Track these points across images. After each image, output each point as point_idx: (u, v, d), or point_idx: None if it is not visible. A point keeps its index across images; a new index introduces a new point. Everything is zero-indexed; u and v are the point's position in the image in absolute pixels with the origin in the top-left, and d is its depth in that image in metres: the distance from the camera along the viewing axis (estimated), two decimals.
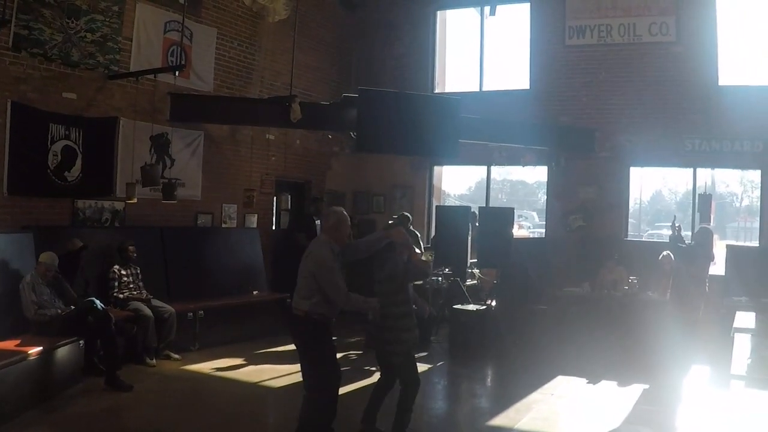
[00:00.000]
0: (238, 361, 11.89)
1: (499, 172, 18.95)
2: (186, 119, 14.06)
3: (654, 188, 40.10)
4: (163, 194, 12.77)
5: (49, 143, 11.75)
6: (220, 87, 15.11)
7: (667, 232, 18.31)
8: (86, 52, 12.23)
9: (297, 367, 10.71)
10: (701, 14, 15.62)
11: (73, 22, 11.92)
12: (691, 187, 16.59)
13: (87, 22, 12.17)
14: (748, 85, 15.47)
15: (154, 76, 12.95)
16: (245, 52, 15.81)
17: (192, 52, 14.36)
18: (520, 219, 22.80)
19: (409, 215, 15.85)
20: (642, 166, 16.86)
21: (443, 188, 20.42)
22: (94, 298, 10.23)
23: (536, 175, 18.39)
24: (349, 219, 7.70)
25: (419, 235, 15.70)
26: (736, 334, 9.45)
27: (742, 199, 40.39)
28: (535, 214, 38.79)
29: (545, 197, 18.62)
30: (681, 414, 9.75)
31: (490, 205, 18.90)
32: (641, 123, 16.04)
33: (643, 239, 18.67)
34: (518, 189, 44.29)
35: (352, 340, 14.01)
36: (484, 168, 18.76)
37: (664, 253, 13.46)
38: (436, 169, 19.20)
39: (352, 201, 19.42)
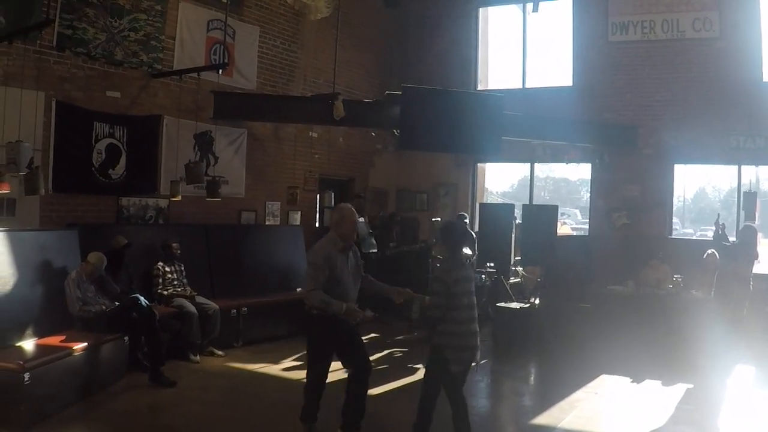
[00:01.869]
0: (282, 357, 11.89)
1: (542, 170, 18.89)
2: (229, 117, 14.12)
3: (697, 186, 39.73)
4: (207, 192, 12.83)
5: (93, 141, 11.88)
6: (263, 85, 15.15)
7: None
8: (130, 51, 12.33)
9: (338, 364, 10.80)
10: (744, 9, 15.44)
11: (116, 22, 12.03)
12: (735, 184, 16.40)
13: (130, 21, 12.27)
14: None
15: (198, 75, 12.97)
16: (288, 50, 15.85)
17: (235, 50, 14.42)
18: (563, 217, 22.67)
19: (465, 215, 15.85)
20: (686, 163, 16.69)
21: (486, 186, 20.34)
22: (138, 295, 10.30)
23: (579, 172, 18.32)
24: (354, 215, 7.79)
25: (475, 237, 15.61)
26: None
27: None
28: (578, 211, 38.54)
29: (588, 195, 18.51)
30: (724, 415, 9.62)
31: (533, 202, 18.76)
32: (685, 120, 15.87)
33: (687, 237, 18.44)
34: (561, 186, 44.07)
35: (399, 338, 14.02)
36: (527, 165, 18.65)
37: (709, 251, 13.27)
38: (480, 166, 19.11)
39: (396, 198, 19.43)
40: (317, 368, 7.94)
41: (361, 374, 7.96)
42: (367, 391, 8.10)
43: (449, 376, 7.41)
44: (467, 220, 15.83)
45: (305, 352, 8.26)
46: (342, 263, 7.60)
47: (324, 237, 7.82)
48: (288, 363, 11.65)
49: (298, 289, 14.40)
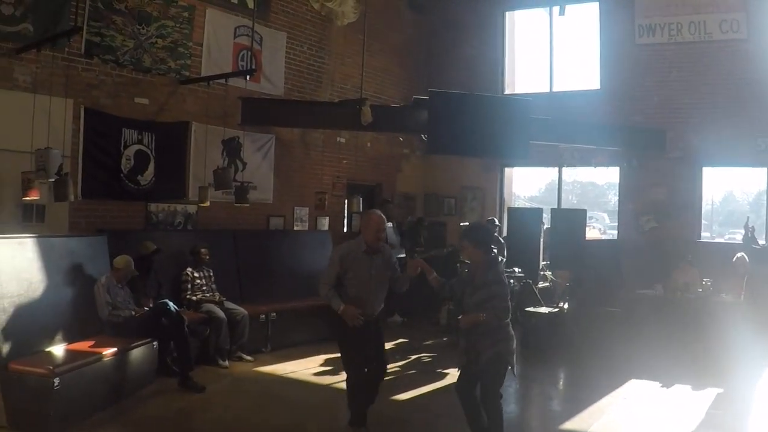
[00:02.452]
0: (310, 363, 11.89)
1: (569, 174, 18.74)
2: (257, 123, 14.16)
3: (726, 189, 39.44)
4: (235, 197, 12.89)
5: (122, 148, 11.95)
6: (290, 91, 15.19)
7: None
8: (157, 58, 12.40)
9: None
10: None
11: (144, 29, 12.11)
12: (763, 187, 16.26)
13: (158, 28, 12.34)
14: None
15: (225, 81, 13.03)
16: (315, 56, 15.89)
17: (262, 56, 14.47)
18: (591, 221, 22.55)
19: (495, 219, 15.86)
20: (714, 166, 16.52)
21: (513, 190, 20.29)
22: (167, 301, 10.32)
23: (607, 176, 18.23)
24: (380, 222, 7.90)
25: (503, 242, 15.61)
26: None
27: None
28: (605, 215, 38.37)
29: (616, 198, 18.44)
30: (755, 419, 9.52)
31: (561, 206, 18.68)
32: (713, 122, 15.73)
33: (716, 241, 18.31)
34: (588, 190, 43.89)
35: (426, 343, 14.01)
36: (554, 170, 18.58)
37: (738, 254, 13.19)
38: (507, 170, 19.06)
39: (423, 203, 19.43)
40: (349, 369, 8.04)
41: (378, 374, 8.14)
42: (375, 393, 8.23)
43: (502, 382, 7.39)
44: (498, 224, 15.86)
45: (338, 354, 8.34)
46: (363, 265, 7.81)
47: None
48: (317, 368, 11.64)
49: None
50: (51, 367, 8.03)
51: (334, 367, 11.28)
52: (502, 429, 7.34)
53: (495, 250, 8.32)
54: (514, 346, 7.34)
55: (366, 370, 8.01)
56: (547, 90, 18.15)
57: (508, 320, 7.25)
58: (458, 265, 15.20)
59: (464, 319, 7.29)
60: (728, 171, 17.11)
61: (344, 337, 7.95)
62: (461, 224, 16.70)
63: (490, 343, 7.13)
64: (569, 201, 37.71)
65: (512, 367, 7.33)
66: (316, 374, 11.31)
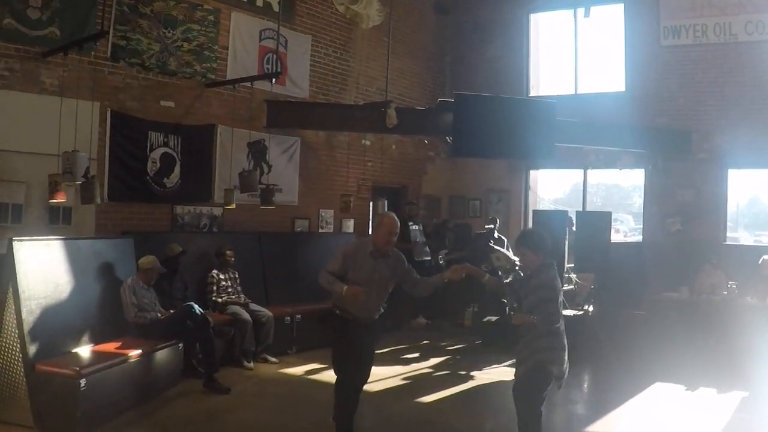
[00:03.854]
0: None
1: (593, 176, 18.63)
2: (283, 126, 14.20)
3: (752, 191, 39.08)
4: (261, 200, 12.90)
5: (148, 150, 12.03)
6: (315, 93, 15.25)
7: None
8: (183, 61, 12.48)
9: (393, 370, 10.78)
10: None
11: (169, 32, 12.18)
12: None
13: (183, 31, 12.41)
14: None
15: (251, 84, 13.07)
16: (340, 59, 15.93)
17: (287, 59, 14.52)
18: (616, 223, 22.38)
19: (496, 219, 15.95)
20: (740, 168, 16.34)
21: (538, 193, 20.24)
22: (192, 303, 10.38)
23: (631, 178, 18.14)
24: (392, 226, 7.59)
25: (506, 240, 15.77)
26: None
27: None
28: (630, 217, 38.03)
29: (640, 200, 18.35)
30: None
31: (586, 209, 18.62)
32: (739, 124, 15.60)
33: (742, 243, 18.19)
34: (613, 193, 43.53)
35: (450, 345, 14.02)
36: (579, 172, 18.52)
37: (765, 256, 13.11)
38: (532, 173, 19.03)
39: (448, 205, 19.44)
40: (341, 373, 7.81)
41: (360, 384, 7.97)
42: (354, 406, 7.93)
43: (544, 394, 7.10)
44: (498, 222, 15.95)
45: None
46: (366, 267, 7.52)
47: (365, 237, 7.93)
48: None
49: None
50: (78, 369, 8.10)
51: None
52: None
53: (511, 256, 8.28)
54: (565, 356, 6.98)
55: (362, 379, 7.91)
56: (572, 92, 18.05)
57: (560, 328, 6.98)
58: (483, 267, 15.20)
59: (516, 317, 7.24)
60: (754, 173, 16.95)
61: (341, 340, 7.75)
62: (486, 227, 16.72)
63: (530, 352, 6.90)
64: (594, 203, 37.38)
65: (558, 380, 6.98)
66: None
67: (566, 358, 7.00)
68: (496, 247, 14.41)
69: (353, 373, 7.73)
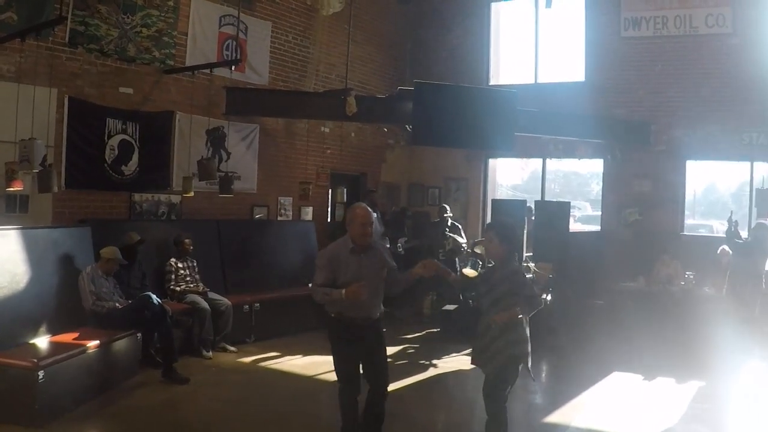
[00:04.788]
0: (294, 353, 11.92)
1: (552, 163, 18.72)
2: (242, 113, 14.12)
3: (708, 179, 39.51)
4: (220, 188, 12.85)
5: (106, 138, 11.88)
6: (275, 80, 15.16)
7: (720, 226, 18.14)
8: (142, 47, 12.33)
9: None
10: (758, 5, 15.27)
11: (128, 18, 12.02)
12: (746, 179, 16.35)
13: (142, 17, 12.26)
14: None
15: (210, 71, 12.98)
16: (300, 45, 15.84)
17: (247, 45, 14.41)
18: (573, 209, 22.45)
19: (446, 207, 16.02)
20: (698, 159, 16.53)
21: (497, 180, 20.28)
22: (150, 293, 10.30)
23: (590, 165, 18.24)
24: (365, 216, 7.22)
25: (460, 227, 16.05)
26: None
27: None
28: (588, 204, 38.33)
29: (598, 188, 18.50)
30: (737, 413, 9.59)
31: (545, 196, 18.71)
32: (698, 116, 15.76)
33: (699, 234, 18.39)
34: (571, 180, 43.75)
35: (410, 334, 14.05)
36: (539, 160, 18.60)
37: (723, 247, 13.26)
38: (491, 161, 19.07)
39: (407, 193, 19.43)
40: (341, 380, 7.37)
41: (377, 398, 7.39)
42: (382, 418, 7.46)
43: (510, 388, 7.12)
44: (448, 213, 16.03)
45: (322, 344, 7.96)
46: (353, 266, 7.12)
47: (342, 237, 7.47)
48: (300, 358, 11.69)
49: (310, 284, 14.40)
50: (35, 360, 8.02)
51: (316, 357, 11.29)
52: None
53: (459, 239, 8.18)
54: (530, 348, 7.01)
55: (361, 385, 7.36)
56: (532, 81, 18.10)
57: (525, 323, 6.97)
58: (441, 257, 15.29)
59: (499, 317, 6.86)
60: (711, 164, 17.18)
61: (341, 346, 7.30)
62: (445, 215, 16.78)
63: (504, 345, 6.86)
64: (552, 190, 37.53)
65: (529, 370, 7.08)
66: (300, 364, 11.34)
67: (530, 349, 7.03)
68: (449, 234, 14.55)
69: (357, 380, 7.32)
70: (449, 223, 15.74)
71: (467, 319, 12.58)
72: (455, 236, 15.50)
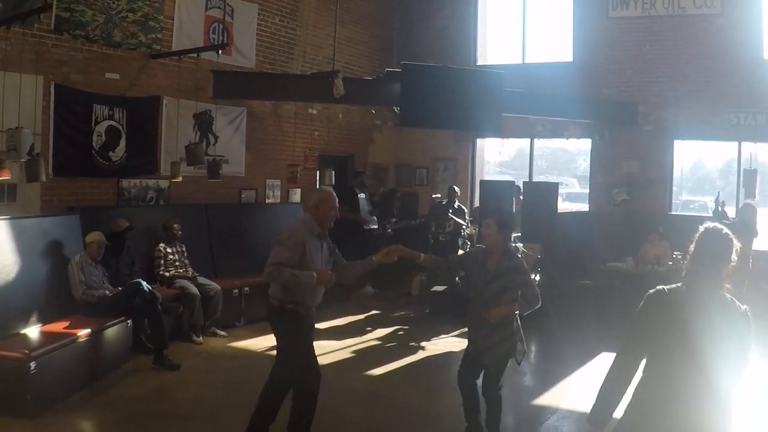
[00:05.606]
0: None
1: (540, 140, 18.74)
2: (229, 96, 14.09)
3: (695, 156, 39.64)
4: (208, 173, 12.86)
5: (93, 124, 11.84)
6: (262, 63, 15.11)
7: (709, 203, 18.21)
8: (128, 33, 12.26)
9: (341, 343, 10.79)
10: None
11: (114, 3, 11.94)
12: (733, 156, 16.42)
13: (128, 2, 12.17)
14: None
15: (197, 55, 12.95)
16: (287, 27, 15.78)
17: (234, 28, 14.35)
18: (560, 186, 22.46)
19: (456, 188, 15.95)
20: (686, 139, 16.59)
21: (485, 157, 20.28)
22: (140, 280, 10.31)
23: (577, 142, 18.26)
24: (335, 200, 7.06)
25: (466, 210, 16.03)
26: None
27: None
28: (575, 180, 38.31)
29: (585, 164, 18.53)
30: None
31: (532, 173, 18.75)
32: (685, 96, 15.82)
33: (687, 214, 18.45)
34: (558, 156, 43.79)
35: (398, 314, 14.10)
36: (527, 140, 18.62)
37: (707, 224, 13.33)
38: (479, 141, 19.09)
39: (395, 174, 19.45)
40: (293, 370, 7.02)
41: (316, 380, 7.12)
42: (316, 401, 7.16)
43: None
44: (458, 192, 16.03)
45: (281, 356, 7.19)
46: (315, 250, 6.88)
47: (299, 219, 7.24)
48: None
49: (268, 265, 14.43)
50: (27, 351, 8.03)
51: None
52: (500, 419, 7.30)
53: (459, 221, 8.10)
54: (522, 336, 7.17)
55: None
56: (520, 61, 18.10)
57: (517, 313, 7.08)
58: (429, 236, 15.33)
59: (495, 312, 6.86)
60: (699, 144, 17.27)
61: (300, 336, 6.97)
62: (433, 195, 16.81)
63: (501, 338, 6.96)
64: (539, 166, 37.47)
65: (518, 359, 7.21)
66: None
67: None
68: (453, 217, 14.58)
69: (314, 368, 7.12)
70: (456, 205, 15.75)
71: (455, 300, 12.66)
72: (457, 219, 15.52)
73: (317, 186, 16.46)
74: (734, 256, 4.30)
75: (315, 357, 7.22)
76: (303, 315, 6.93)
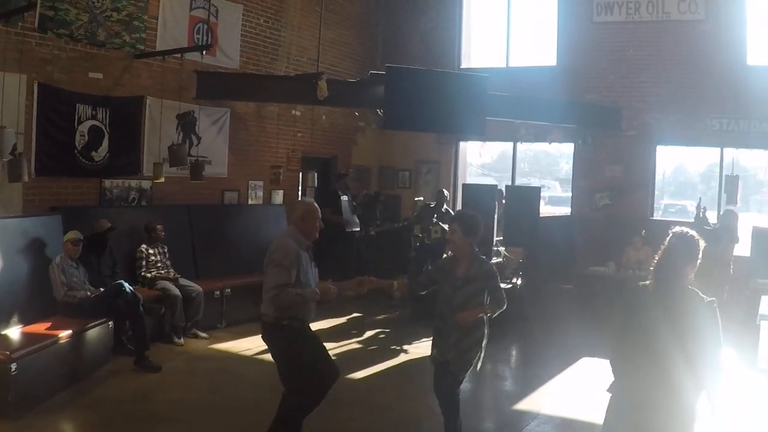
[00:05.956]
0: None
1: (522, 143, 18.81)
2: (212, 97, 14.06)
3: (678, 160, 39.81)
4: (191, 174, 12.85)
5: (76, 123, 11.78)
6: (246, 64, 15.08)
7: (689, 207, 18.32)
8: (112, 32, 12.21)
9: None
10: None
11: (98, 2, 11.88)
12: (715, 161, 16.51)
13: (113, 1, 12.11)
14: None
15: (181, 55, 12.93)
16: (271, 28, 15.76)
17: (218, 29, 14.31)
18: (542, 189, 22.49)
19: (445, 192, 15.90)
20: (669, 144, 16.75)
21: (467, 159, 20.31)
22: (122, 281, 10.30)
23: (560, 145, 18.32)
24: (318, 210, 7.03)
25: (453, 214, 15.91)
26: (762, 322, 9.45)
27: (766, 171, 39.53)
28: (557, 183, 38.38)
29: (567, 167, 18.59)
30: (703, 399, 9.69)
31: (514, 175, 18.79)
32: (669, 102, 15.90)
33: (669, 219, 18.50)
34: (540, 158, 43.84)
35: (380, 317, 14.10)
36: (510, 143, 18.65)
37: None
38: (462, 144, 19.11)
39: (378, 176, 19.46)
40: (308, 389, 6.90)
41: (330, 381, 7.02)
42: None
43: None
44: (447, 195, 15.97)
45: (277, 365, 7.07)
46: (307, 263, 6.80)
47: (285, 233, 7.11)
48: None
49: (271, 289, 14.36)
50: (8, 353, 7.97)
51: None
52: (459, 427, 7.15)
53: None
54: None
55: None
56: (504, 65, 18.16)
57: (485, 319, 6.97)
58: (411, 239, 15.32)
59: (464, 315, 6.78)
60: (682, 149, 17.39)
61: (303, 348, 6.87)
62: (416, 198, 16.80)
63: (471, 344, 6.88)
64: (521, 169, 37.47)
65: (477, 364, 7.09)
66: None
67: None
68: (436, 221, 14.54)
69: (327, 372, 7.02)
70: (443, 209, 15.70)
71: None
72: (443, 224, 15.45)
73: (299, 186, 16.50)
74: (700, 256, 4.87)
75: (327, 359, 7.14)
76: (298, 329, 6.81)
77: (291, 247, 6.70)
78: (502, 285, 12.72)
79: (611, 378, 5.20)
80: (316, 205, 7.13)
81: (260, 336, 7.12)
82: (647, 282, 5.03)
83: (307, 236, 6.92)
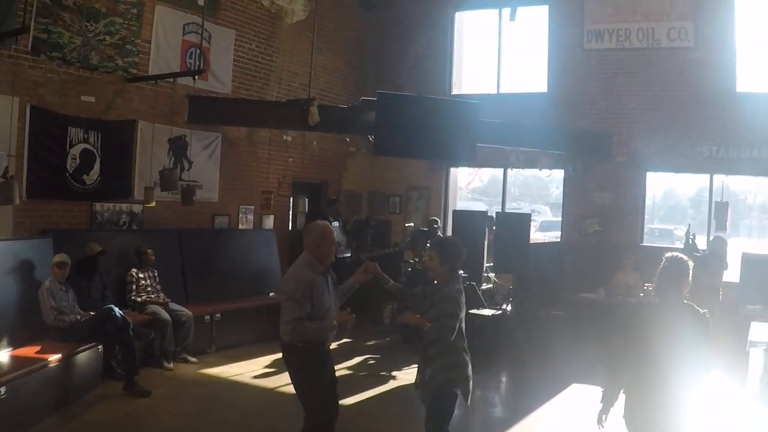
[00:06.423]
0: (254, 364, 11.92)
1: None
2: (204, 122, 14.07)
3: (667, 185, 39.90)
4: (182, 199, 12.83)
5: (67, 147, 11.77)
6: (238, 89, 15.11)
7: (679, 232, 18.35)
8: (105, 56, 12.23)
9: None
10: (720, 20, 15.47)
11: (92, 25, 11.92)
12: (705, 185, 16.57)
13: (106, 25, 12.17)
14: (766, 93, 15.21)
15: (173, 79, 12.95)
16: (263, 54, 15.81)
17: (211, 54, 14.35)
18: (533, 214, 22.50)
19: (437, 219, 15.92)
20: (658, 171, 16.81)
21: (458, 183, 20.31)
22: (112, 306, 10.29)
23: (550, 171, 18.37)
24: (333, 233, 6.98)
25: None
26: (751, 348, 9.46)
27: (756, 195, 39.66)
28: (548, 208, 38.42)
29: (558, 191, 18.62)
30: (700, 423, 9.68)
31: (505, 201, 18.81)
32: (658, 128, 15.95)
33: (659, 245, 18.50)
34: (531, 183, 43.85)
35: (369, 343, 14.07)
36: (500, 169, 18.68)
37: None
38: (452, 170, 19.13)
39: (369, 202, 19.46)
40: (323, 410, 6.84)
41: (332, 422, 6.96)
42: None
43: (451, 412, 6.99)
44: (438, 225, 15.95)
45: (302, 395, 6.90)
46: (323, 288, 6.67)
47: (298, 261, 6.89)
48: (261, 369, 11.69)
49: (271, 294, 14.40)
50: None
51: (277, 369, 11.25)
52: None
53: (461, 271, 7.95)
54: (470, 372, 6.90)
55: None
56: (495, 92, 18.20)
57: (463, 345, 6.89)
58: (402, 264, 15.33)
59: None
60: (672, 176, 17.48)
61: (322, 374, 6.82)
62: (406, 225, 16.82)
63: (441, 366, 6.75)
64: (511, 193, 37.42)
65: (465, 397, 6.91)
66: (261, 376, 11.36)
67: (470, 373, 6.93)
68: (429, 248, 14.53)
69: (335, 407, 7.00)
70: (438, 236, 15.69)
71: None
72: None
73: (290, 211, 16.51)
74: (691, 275, 5.84)
75: (335, 394, 7.07)
76: (313, 352, 6.71)
77: (302, 277, 6.62)
78: (490, 311, 12.82)
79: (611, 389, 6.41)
80: (327, 227, 7.02)
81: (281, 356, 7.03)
82: (650, 302, 5.58)
83: (323, 262, 6.81)
